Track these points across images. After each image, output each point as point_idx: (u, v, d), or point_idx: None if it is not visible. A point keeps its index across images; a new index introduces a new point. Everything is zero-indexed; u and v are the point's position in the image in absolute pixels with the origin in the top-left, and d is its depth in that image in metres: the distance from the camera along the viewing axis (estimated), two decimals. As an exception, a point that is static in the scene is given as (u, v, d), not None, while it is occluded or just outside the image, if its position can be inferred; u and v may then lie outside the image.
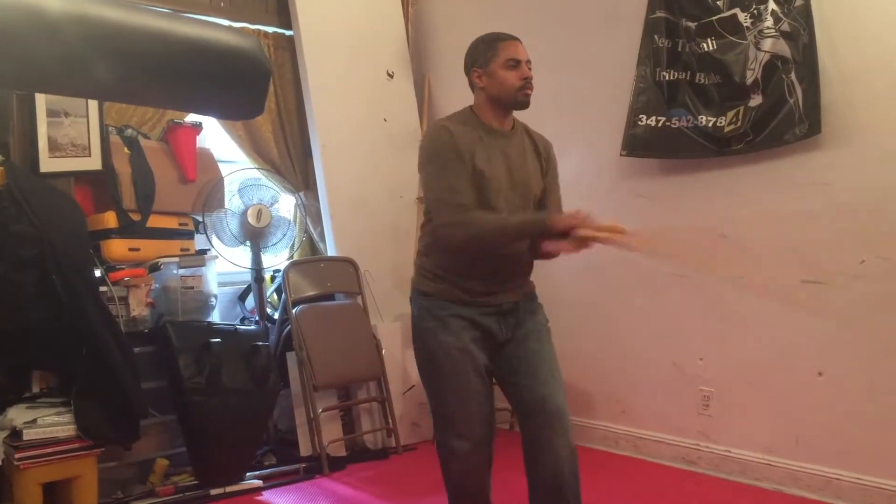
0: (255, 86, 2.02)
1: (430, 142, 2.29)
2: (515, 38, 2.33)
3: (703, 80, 3.39)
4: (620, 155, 3.66)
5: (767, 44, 3.15)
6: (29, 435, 2.93)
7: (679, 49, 3.45)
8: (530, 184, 2.34)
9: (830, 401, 3.11)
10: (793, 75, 3.09)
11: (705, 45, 3.34)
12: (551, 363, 2.31)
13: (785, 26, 3.11)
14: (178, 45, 1.77)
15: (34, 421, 2.96)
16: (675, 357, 3.66)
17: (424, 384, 2.39)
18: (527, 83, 2.28)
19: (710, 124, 3.35)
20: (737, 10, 3.25)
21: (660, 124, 3.50)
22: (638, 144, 3.59)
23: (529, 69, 2.30)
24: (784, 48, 3.11)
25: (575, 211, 2.12)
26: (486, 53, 2.30)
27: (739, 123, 3.25)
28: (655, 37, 3.49)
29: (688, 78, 3.44)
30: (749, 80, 3.21)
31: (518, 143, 2.36)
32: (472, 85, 2.37)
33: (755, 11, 3.19)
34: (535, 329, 2.35)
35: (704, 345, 3.55)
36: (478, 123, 2.30)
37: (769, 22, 3.15)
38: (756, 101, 3.20)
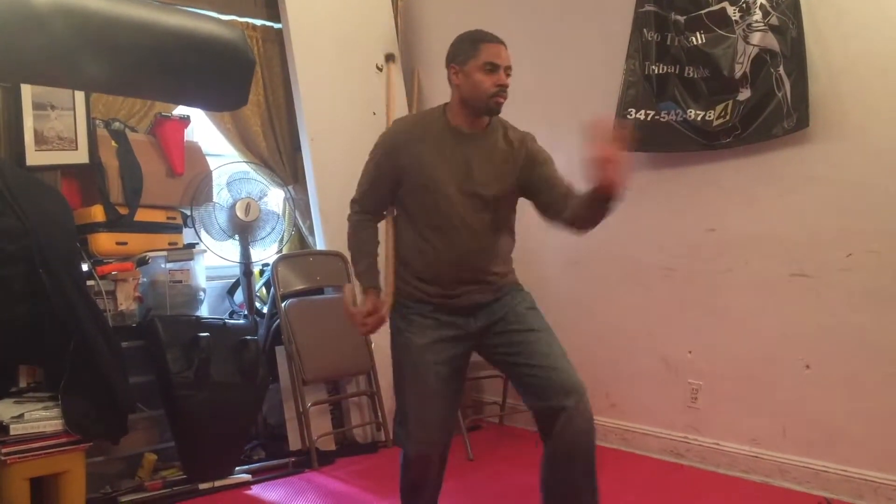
0: (238, 76, 2.01)
1: (380, 141, 2.38)
2: (499, 42, 2.26)
3: (691, 74, 3.39)
4: (609, 148, 3.66)
5: (756, 38, 3.16)
6: (16, 430, 2.91)
7: (668, 43, 3.45)
8: (491, 186, 2.29)
9: (818, 393, 3.13)
10: (781, 69, 3.10)
11: (694, 39, 3.34)
12: (548, 340, 2.29)
13: (773, 20, 3.11)
14: (161, 35, 1.77)
15: (21, 416, 2.94)
16: (664, 350, 3.68)
17: (393, 377, 2.45)
18: (501, 91, 2.22)
19: (698, 118, 3.35)
20: (725, 4, 3.25)
21: (649, 118, 3.50)
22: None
23: (508, 76, 2.24)
24: (772, 42, 3.12)
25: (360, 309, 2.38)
26: (466, 52, 2.25)
27: (728, 117, 3.26)
28: (644, 30, 3.49)
29: (677, 72, 3.44)
30: (738, 74, 3.22)
31: (487, 145, 2.31)
32: (448, 80, 2.32)
33: (744, 5, 3.19)
34: (516, 318, 2.33)
35: (693, 338, 3.57)
36: (443, 125, 2.29)
37: (758, 16, 3.15)
38: (744, 94, 3.21)
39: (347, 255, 4.22)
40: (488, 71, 2.21)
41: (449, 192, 2.25)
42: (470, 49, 2.25)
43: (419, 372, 2.29)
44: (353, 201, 2.49)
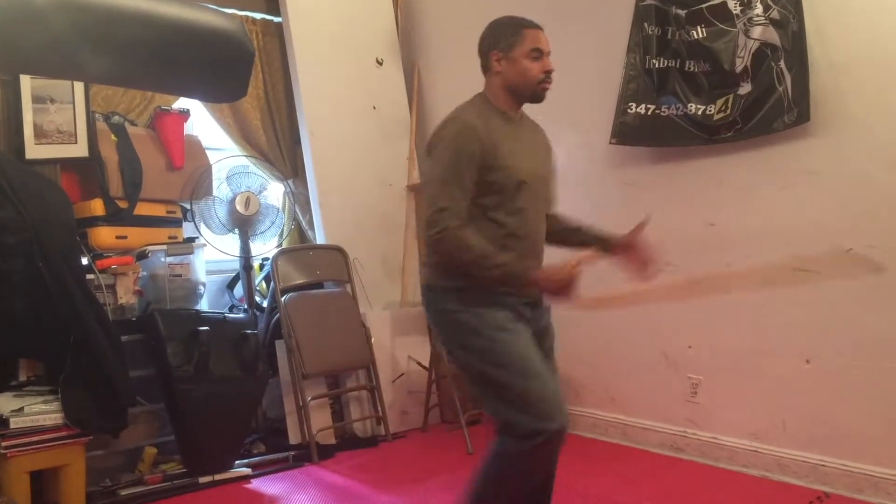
0: (238, 67, 2.00)
1: (454, 140, 2.10)
2: (540, 27, 2.23)
3: (692, 68, 3.38)
4: (610, 143, 3.66)
5: (757, 31, 3.15)
6: (16, 423, 2.92)
7: (669, 37, 3.44)
8: (548, 170, 2.30)
9: (817, 388, 3.13)
10: (782, 63, 3.09)
11: (695, 33, 3.33)
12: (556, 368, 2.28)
13: (774, 14, 3.10)
14: (160, 26, 1.76)
15: (21, 409, 2.95)
16: (664, 345, 3.67)
17: (487, 376, 2.11)
18: (548, 76, 2.20)
19: (699, 112, 3.34)
20: (727, -2, 3.24)
21: (649, 112, 3.49)
22: (627, 132, 3.59)
23: (551, 62, 2.22)
24: (773, 36, 3.11)
25: (561, 268, 2.06)
26: (509, 38, 2.20)
27: (728, 111, 3.25)
28: (645, 24, 3.48)
29: (677, 66, 3.43)
30: (738, 68, 3.21)
31: (532, 131, 2.31)
32: (486, 67, 2.25)
33: (745, -1, 3.19)
34: (549, 328, 2.32)
35: (693, 333, 3.56)
36: (498, 113, 2.21)
37: (759, 10, 3.14)
38: (745, 89, 3.20)
39: (349, 249, 4.27)
40: (535, 58, 2.19)
41: (523, 176, 2.16)
42: (512, 35, 2.20)
43: (530, 355, 2.11)
44: (441, 210, 2.04)
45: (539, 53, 2.19)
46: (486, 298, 2.12)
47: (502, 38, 2.21)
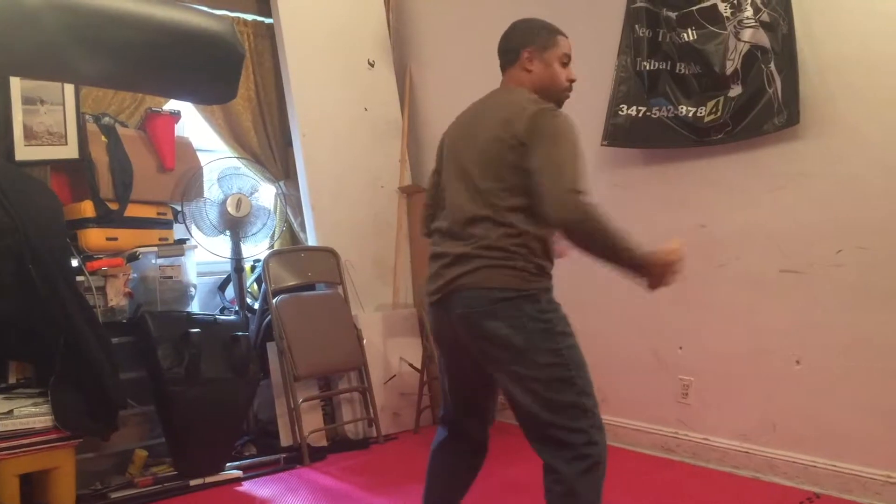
0: (228, 69, 1.99)
1: (571, 128, 2.04)
2: (567, 37, 2.27)
3: (683, 70, 3.39)
4: (601, 145, 3.67)
5: (747, 34, 3.16)
6: (5, 426, 2.90)
7: (660, 39, 3.45)
8: None
9: (808, 389, 3.14)
10: (772, 66, 3.11)
11: (686, 35, 3.35)
12: None
13: (765, 17, 3.12)
14: (149, 27, 1.75)
15: (10, 412, 2.93)
16: (655, 346, 3.68)
17: (577, 384, 2.08)
18: (571, 86, 2.24)
19: (690, 114, 3.36)
20: (717, 1, 3.25)
21: (640, 114, 3.50)
22: (619, 134, 3.60)
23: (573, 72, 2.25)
24: (763, 38, 3.12)
25: (670, 251, 2.03)
26: (545, 39, 2.21)
27: (719, 113, 3.26)
28: (636, 26, 3.50)
29: (668, 68, 3.44)
30: (729, 71, 3.22)
31: None
32: (511, 62, 2.22)
33: (735, 1, 3.20)
34: None
35: (683, 334, 3.58)
36: None
37: (749, 12, 3.15)
38: (736, 91, 3.21)
39: (340, 250, 4.27)
40: (564, 64, 2.22)
41: None
42: (548, 38, 2.22)
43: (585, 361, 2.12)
44: (580, 191, 1.96)
45: (568, 60, 2.22)
46: (554, 303, 2.11)
47: (539, 38, 2.22)
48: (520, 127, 2.00)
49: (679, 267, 2.03)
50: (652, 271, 2.03)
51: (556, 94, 2.21)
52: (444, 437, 2.32)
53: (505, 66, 2.26)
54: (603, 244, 1.97)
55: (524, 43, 2.21)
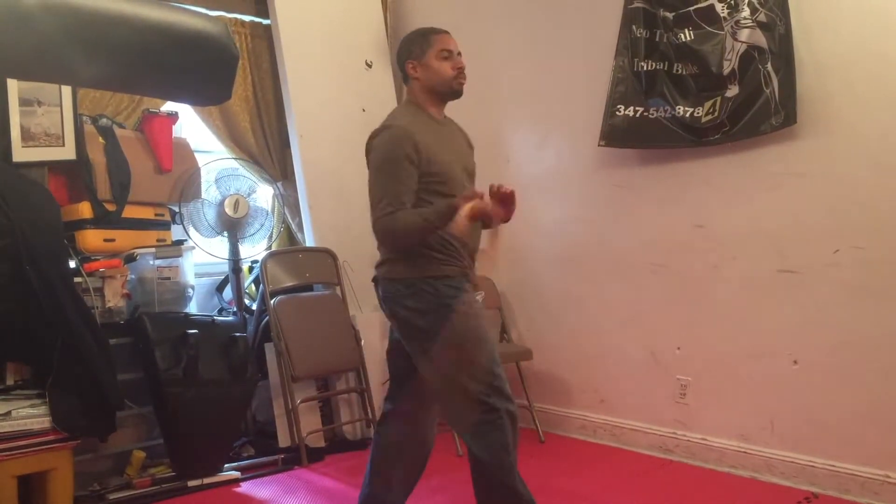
0: (222, 70, 1.99)
1: (392, 146, 2.28)
2: (446, 32, 2.44)
3: (680, 71, 3.40)
4: (598, 145, 3.67)
5: (744, 34, 3.17)
6: (3, 427, 2.89)
7: (657, 39, 3.46)
8: (472, 169, 2.48)
9: (805, 389, 3.15)
10: (769, 66, 3.11)
11: (683, 36, 3.35)
12: None
13: (761, 17, 3.12)
14: (143, 28, 1.75)
15: (8, 413, 2.92)
16: (653, 346, 3.69)
17: (456, 359, 2.27)
18: (460, 73, 2.39)
19: (687, 114, 3.36)
20: (714, 1, 3.26)
21: (637, 114, 3.51)
22: (616, 135, 3.60)
23: (461, 60, 2.40)
24: (760, 39, 3.13)
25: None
26: (420, 45, 2.40)
27: (716, 114, 3.26)
28: (633, 27, 3.50)
29: (665, 68, 3.45)
30: (726, 71, 3.23)
31: (456, 130, 2.51)
32: (406, 77, 2.46)
33: (732, 2, 3.20)
34: None
35: (681, 334, 3.58)
36: (426, 116, 2.40)
37: (746, 12, 3.16)
38: (733, 91, 3.22)
39: (338, 251, 4.26)
40: (445, 58, 2.38)
41: (455, 174, 2.36)
42: (423, 42, 2.41)
43: (489, 335, 2.34)
44: (385, 215, 2.28)
45: (448, 53, 2.39)
46: (453, 282, 2.35)
47: (413, 48, 2.42)
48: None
49: (501, 200, 2.15)
50: (470, 214, 2.13)
51: (446, 88, 2.40)
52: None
53: (405, 83, 2.49)
54: (417, 235, 2.26)
55: (405, 58, 2.44)
